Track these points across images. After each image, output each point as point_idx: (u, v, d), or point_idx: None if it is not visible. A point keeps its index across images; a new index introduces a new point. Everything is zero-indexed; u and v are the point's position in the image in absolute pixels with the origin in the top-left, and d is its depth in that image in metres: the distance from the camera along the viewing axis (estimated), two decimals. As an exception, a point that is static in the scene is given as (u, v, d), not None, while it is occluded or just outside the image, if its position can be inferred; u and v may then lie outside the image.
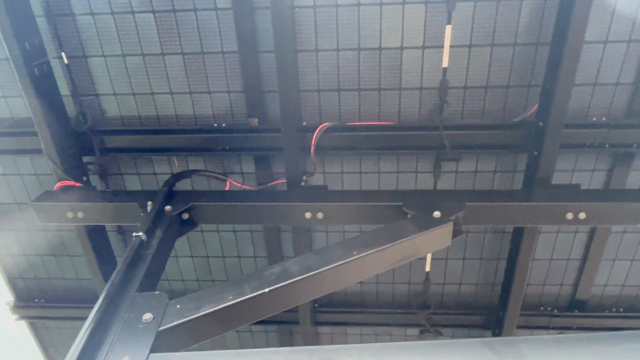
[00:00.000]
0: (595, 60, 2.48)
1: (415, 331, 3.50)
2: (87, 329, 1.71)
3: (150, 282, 2.07)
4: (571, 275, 3.21)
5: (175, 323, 1.78)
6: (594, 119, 2.60)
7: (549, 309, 3.32)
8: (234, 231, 3.20)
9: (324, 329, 3.59)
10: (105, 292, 1.88)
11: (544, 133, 2.45)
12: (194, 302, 1.86)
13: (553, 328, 3.33)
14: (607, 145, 2.62)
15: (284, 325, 3.56)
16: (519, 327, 3.22)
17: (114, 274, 1.99)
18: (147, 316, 1.79)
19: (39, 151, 2.76)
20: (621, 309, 3.28)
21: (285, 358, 1.61)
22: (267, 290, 1.90)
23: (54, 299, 3.64)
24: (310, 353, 1.64)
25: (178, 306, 1.85)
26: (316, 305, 3.43)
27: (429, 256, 3.19)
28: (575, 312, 3.29)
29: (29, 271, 3.54)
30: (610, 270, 3.18)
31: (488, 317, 3.37)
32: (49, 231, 3.32)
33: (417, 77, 2.59)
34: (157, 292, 1.93)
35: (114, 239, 3.26)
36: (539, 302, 3.35)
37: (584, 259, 3.11)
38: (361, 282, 3.38)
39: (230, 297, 1.87)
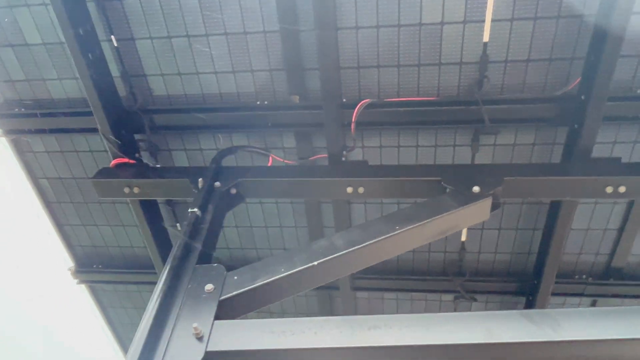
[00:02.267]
0: (642, 31, 2.42)
1: (449, 297, 3.63)
2: (157, 298, 1.90)
3: (207, 255, 2.25)
4: (607, 244, 3.25)
5: (234, 293, 1.95)
6: (638, 91, 2.57)
7: (584, 276, 3.38)
8: (276, 203, 3.35)
9: (362, 294, 3.77)
10: (169, 265, 2.06)
11: (586, 106, 2.45)
12: (250, 274, 2.03)
13: (587, 295, 3.40)
14: (651, 117, 2.60)
15: (324, 290, 3.75)
16: (553, 294, 3.31)
17: (175, 248, 2.17)
18: (209, 287, 1.97)
19: (93, 130, 2.94)
20: (657, 278, 3.31)
21: (337, 326, 1.76)
22: (315, 263, 2.05)
23: (110, 264, 3.93)
24: (356, 322, 1.79)
25: (235, 277, 2.02)
26: (354, 272, 3.60)
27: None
28: (610, 280, 3.34)
29: (87, 239, 3.81)
30: (647, 240, 3.19)
31: (522, 284, 3.46)
32: (105, 203, 3.55)
33: (457, 52, 2.60)
34: (215, 264, 2.10)
35: (163, 210, 3.46)
36: (573, 270, 3.40)
37: (621, 229, 3.13)
38: (398, 251, 3.50)
39: (283, 270, 2.03)
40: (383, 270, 3.60)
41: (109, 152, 2.94)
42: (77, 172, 3.42)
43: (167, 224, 3.49)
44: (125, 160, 2.91)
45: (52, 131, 3.17)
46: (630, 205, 3.00)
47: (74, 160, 3.36)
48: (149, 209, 3.16)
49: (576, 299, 3.47)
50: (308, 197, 3.14)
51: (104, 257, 3.92)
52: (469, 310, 3.69)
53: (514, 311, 1.76)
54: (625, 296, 3.35)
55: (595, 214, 3.10)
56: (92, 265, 3.94)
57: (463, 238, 3.34)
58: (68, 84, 3.03)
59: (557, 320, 1.70)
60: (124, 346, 4.60)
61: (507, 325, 1.70)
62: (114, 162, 2.90)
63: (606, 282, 3.36)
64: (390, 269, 3.60)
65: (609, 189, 2.44)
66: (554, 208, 2.90)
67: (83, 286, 4.08)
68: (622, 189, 2.43)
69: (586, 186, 2.47)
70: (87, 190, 3.49)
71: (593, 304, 3.51)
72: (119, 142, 2.87)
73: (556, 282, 3.23)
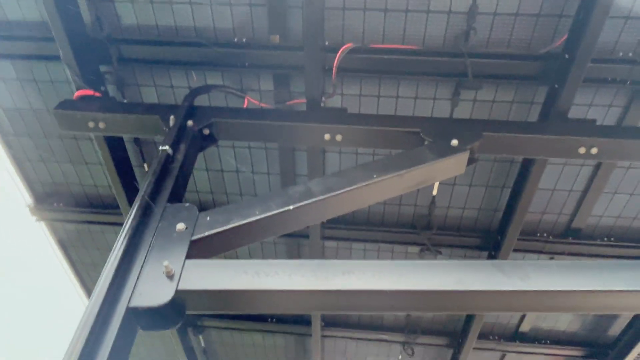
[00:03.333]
0: (632, -8, 2.40)
1: (415, 249, 3.71)
2: (126, 234, 1.82)
3: (177, 195, 2.17)
4: (571, 205, 3.36)
5: (206, 234, 1.90)
6: (621, 54, 2.58)
7: (545, 235, 3.51)
8: (249, 147, 3.26)
9: (331, 244, 3.80)
10: (138, 202, 1.98)
11: (569, 66, 2.44)
12: (223, 215, 1.97)
13: (546, 253, 3.55)
14: (629, 82, 2.62)
15: (293, 238, 3.76)
16: (514, 250, 3.43)
17: (144, 185, 2.07)
18: (180, 226, 1.90)
19: (55, 58, 2.73)
20: (612, 239, 3.47)
21: (312, 269, 1.75)
22: (291, 207, 2.01)
23: (72, 203, 3.78)
24: (330, 266, 1.78)
25: (208, 218, 1.96)
26: (325, 221, 3.60)
27: (436, 182, 3.29)
28: (569, 239, 3.48)
29: (47, 176, 3.63)
30: (608, 203, 3.32)
31: (486, 240, 3.56)
32: (66, 138, 3.36)
33: (447, 0, 2.51)
34: (187, 204, 2.03)
35: (129, 149, 3.31)
36: (536, 229, 3.53)
37: (586, 191, 3.24)
38: (369, 202, 3.52)
39: (257, 212, 1.98)
40: (353, 220, 3.62)
41: (73, 84, 2.74)
42: (36, 104, 3.20)
43: (134, 164, 3.36)
44: (90, 92, 2.73)
45: (8, 56, 2.93)
46: (597, 168, 3.09)
47: (32, 90, 3.13)
48: (115, 146, 3.01)
49: (535, 256, 3.61)
50: (284, 143, 3.07)
51: (65, 195, 3.76)
52: (434, 263, 3.80)
53: (486, 261, 1.79)
54: (581, 254, 3.52)
55: (563, 175, 3.18)
56: (53, 204, 3.78)
57: (434, 192, 3.38)
58: (26, 4, 2.76)
59: (526, 271, 1.74)
60: (87, 287, 4.52)
61: (477, 274, 1.73)
62: (77, 93, 2.71)
63: (564, 241, 3.51)
64: (361, 220, 3.62)
65: (582, 150, 2.48)
66: (525, 167, 2.95)
67: (43, 224, 3.93)
68: (594, 151, 2.48)
69: (560, 146, 2.50)
70: (47, 124, 3.29)
71: (550, 261, 3.68)
72: (83, 72, 2.67)
73: (518, 239, 3.34)
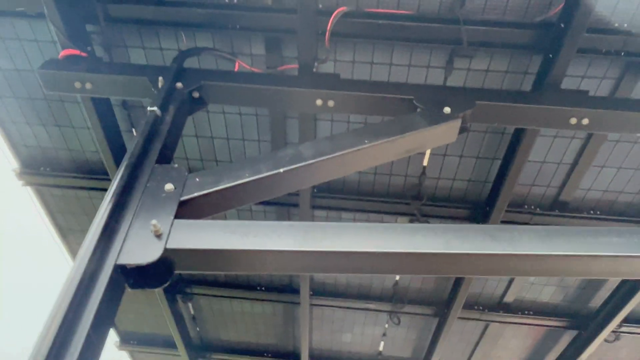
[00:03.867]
0: (631, -40, 2.36)
1: (405, 220, 3.74)
2: (113, 194, 1.80)
3: (166, 156, 2.14)
4: (559, 178, 3.39)
5: (195, 194, 1.89)
6: (616, 24, 2.56)
7: (532, 207, 3.55)
8: (240, 114, 3.22)
9: (320, 213, 3.81)
10: (126, 162, 1.95)
11: (563, 35, 2.42)
12: (213, 177, 1.96)
13: (533, 225, 3.59)
14: (623, 53, 2.61)
15: (283, 207, 3.76)
16: (502, 222, 3.47)
17: (132, 146, 2.04)
18: (169, 186, 1.89)
19: (39, 15, 2.64)
20: (598, 212, 3.53)
21: (301, 230, 1.75)
22: (281, 170, 2.00)
23: (59, 168, 3.73)
24: (320, 228, 1.78)
25: (197, 179, 1.94)
26: (315, 190, 3.60)
27: (427, 151, 3.30)
28: (555, 212, 3.53)
29: (33, 140, 3.57)
30: (596, 176, 3.35)
31: (474, 211, 3.59)
32: (52, 101, 3.29)
33: (444, -36, 2.45)
34: (176, 165, 2.01)
35: (118, 113, 3.26)
36: (523, 201, 3.56)
37: (575, 164, 3.26)
38: (359, 172, 3.52)
39: (247, 175, 1.97)
40: (343, 190, 3.62)
41: (58, 44, 2.66)
42: (20, 64, 3.11)
43: (122, 129, 3.31)
44: (77, 52, 2.65)
45: (-10, 13, 2.82)
46: (587, 140, 3.10)
47: (16, 49, 3.04)
48: (103, 109, 2.96)
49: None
50: (275, 108, 3.03)
51: (52, 159, 3.70)
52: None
53: (474, 225, 1.80)
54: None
55: (553, 148, 3.20)
56: (39, 168, 3.73)
57: (425, 163, 3.38)
58: (7, -43, 2.66)
59: (513, 234, 1.76)
60: (74, 253, 4.51)
61: (465, 237, 1.74)
62: (63, 53, 2.63)
63: (551, 214, 3.55)
64: (351, 190, 3.63)
65: (573, 120, 2.48)
66: (516, 138, 2.95)
67: (29, 189, 3.87)
68: (585, 121, 2.48)
69: (552, 116, 2.50)
70: (32, 85, 3.20)
71: (536, 234, 3.73)
72: (69, 31, 2.59)
73: (506, 211, 3.37)
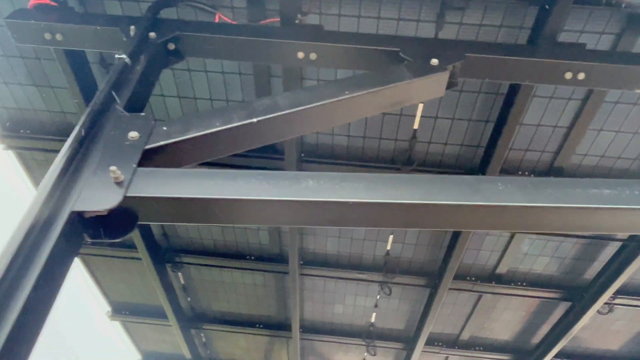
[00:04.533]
0: None
1: (395, 187, 3.63)
2: (71, 141, 1.70)
3: (135, 107, 2.02)
4: (554, 143, 3.27)
5: (161, 143, 1.78)
6: (617, -28, 2.40)
7: (527, 173, 3.44)
8: (222, 72, 3.09)
9: (308, 179, 3.70)
10: (88, 109, 1.84)
11: (561, -17, 2.27)
12: (181, 126, 1.85)
13: (526, 192, 3.48)
14: (624, 5, 2.46)
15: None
16: (495, 188, 3.36)
17: (97, 94, 1.93)
18: (133, 134, 1.78)
19: (7, -38, 2.49)
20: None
21: (273, 179, 1.65)
22: (255, 120, 1.89)
23: (41, 131, 3.62)
24: (294, 177, 1.68)
25: (164, 128, 1.83)
26: (302, 155, 3.50)
27: (418, 113, 3.18)
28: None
29: (11, 101, 3.45)
30: (593, 141, 3.23)
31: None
32: (28, 59, 3.16)
33: None
34: (143, 113, 1.90)
35: (97, 70, 3.13)
36: (518, 167, 3.45)
37: (571, 127, 3.14)
38: (348, 136, 3.40)
39: (218, 124, 1.85)
40: (332, 154, 3.52)
41: (28, -8, 2.52)
42: (-8, 17, 2.97)
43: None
44: (47, 1, 2.52)
45: (-43, -39, 2.68)
46: (584, 102, 2.97)
47: (-13, 2, 2.90)
48: (79, 65, 2.84)
49: (516, 196, 3.55)
50: (254, 60, 2.87)
51: (33, 122, 3.60)
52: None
53: (454, 176, 1.70)
54: (561, 194, 3.45)
55: (549, 110, 3.07)
56: (19, 130, 3.62)
57: (415, 126, 3.26)
58: None
59: (495, 185, 1.66)
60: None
61: (445, 188, 1.64)
62: (32, 1, 2.50)
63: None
64: (339, 154, 3.52)
65: (568, 75, 2.35)
66: (510, 97, 2.83)
67: (11, 152, 3.78)
68: (581, 76, 2.35)
69: (546, 70, 2.36)
70: (4, 40, 3.07)
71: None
72: (38, -22, 2.45)
73: (499, 176, 3.26)
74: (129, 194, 1.59)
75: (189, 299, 5.38)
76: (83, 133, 1.74)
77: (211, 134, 1.84)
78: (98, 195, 1.57)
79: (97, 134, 1.81)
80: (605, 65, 2.32)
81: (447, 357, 5.66)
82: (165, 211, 1.66)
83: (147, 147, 1.76)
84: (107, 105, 1.91)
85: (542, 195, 1.64)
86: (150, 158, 1.76)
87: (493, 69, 2.39)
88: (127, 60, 2.11)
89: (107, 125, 1.84)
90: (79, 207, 1.54)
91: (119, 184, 1.61)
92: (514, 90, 2.73)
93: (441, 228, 1.70)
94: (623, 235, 3.77)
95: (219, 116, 1.88)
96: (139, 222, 1.67)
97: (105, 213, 1.56)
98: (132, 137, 1.77)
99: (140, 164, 1.71)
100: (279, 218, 1.69)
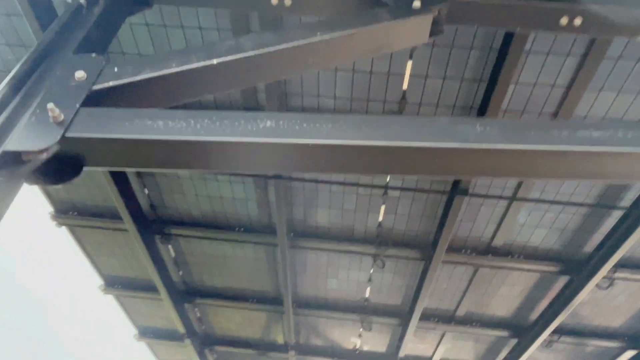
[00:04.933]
0: None
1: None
2: (8, 80, 1.57)
3: (89, 50, 1.88)
4: (552, 103, 3.08)
5: (110, 84, 1.64)
6: None
7: (523, 137, 3.26)
8: (200, 28, 2.92)
9: (295, 145, 3.56)
10: (33, 48, 1.70)
11: None
12: (134, 67, 1.70)
13: (523, 157, 3.31)
14: (627, -56, 2.25)
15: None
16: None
17: (44, 34, 1.78)
18: (80, 74, 1.63)
19: None
20: (595, 143, 3.23)
21: (234, 118, 1.51)
22: (215, 61, 1.73)
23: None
24: (257, 116, 1.54)
25: (116, 69, 1.69)
26: (287, 118, 3.34)
27: (407, 72, 3.00)
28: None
29: (-15, 62, 3.32)
30: (593, 102, 3.04)
31: (460, 142, 3.32)
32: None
33: None
34: (94, 54, 1.75)
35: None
36: (513, 131, 3.27)
37: (569, 86, 2.95)
38: (334, 98, 3.24)
39: (174, 65, 1.70)
40: (317, 118, 3.35)
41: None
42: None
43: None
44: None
45: None
46: (584, 57, 2.78)
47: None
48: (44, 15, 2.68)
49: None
50: (227, 7, 2.69)
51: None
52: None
53: (431, 117, 1.54)
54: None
55: (546, 67, 2.88)
56: None
57: (404, 86, 3.09)
58: None
59: (474, 127, 1.50)
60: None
61: (418, 130, 1.49)
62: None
63: (544, 145, 3.27)
64: (326, 118, 3.35)
65: (564, 20, 2.16)
66: (503, 52, 2.64)
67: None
68: (577, 21, 2.16)
69: (540, 15, 2.17)
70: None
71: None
72: None
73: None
74: (68, 134, 1.45)
75: (180, 272, 5.30)
76: (23, 71, 1.60)
77: (166, 75, 1.69)
78: (34, 135, 1.44)
79: (43, 74, 1.67)
80: (606, 7, 2.13)
81: (443, 333, 5.56)
82: (111, 154, 1.53)
83: (95, 87, 1.62)
84: (55, 45, 1.76)
85: (525, 137, 1.48)
86: (98, 100, 1.62)
87: (481, 14, 2.20)
88: (83, 1, 1.95)
89: (54, 67, 1.70)
90: (12, 147, 1.41)
91: (59, 124, 1.47)
92: (507, 41, 2.55)
93: (410, 174, 1.55)
94: (625, 203, 3.60)
95: (177, 57, 1.73)
96: (85, 167, 1.54)
97: (43, 154, 1.43)
98: (78, 78, 1.63)
99: (87, 105, 1.57)
100: (234, 162, 1.55)
